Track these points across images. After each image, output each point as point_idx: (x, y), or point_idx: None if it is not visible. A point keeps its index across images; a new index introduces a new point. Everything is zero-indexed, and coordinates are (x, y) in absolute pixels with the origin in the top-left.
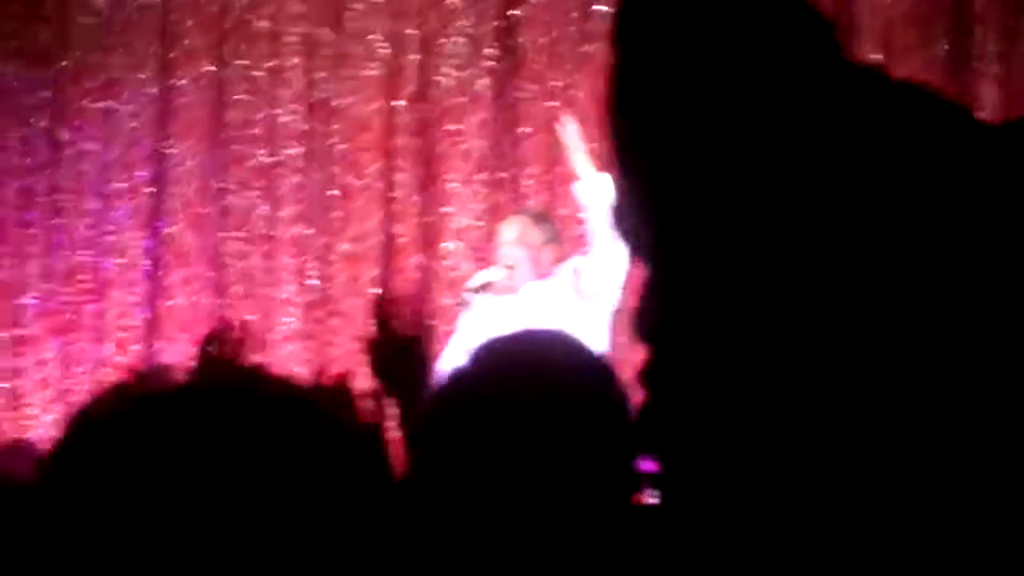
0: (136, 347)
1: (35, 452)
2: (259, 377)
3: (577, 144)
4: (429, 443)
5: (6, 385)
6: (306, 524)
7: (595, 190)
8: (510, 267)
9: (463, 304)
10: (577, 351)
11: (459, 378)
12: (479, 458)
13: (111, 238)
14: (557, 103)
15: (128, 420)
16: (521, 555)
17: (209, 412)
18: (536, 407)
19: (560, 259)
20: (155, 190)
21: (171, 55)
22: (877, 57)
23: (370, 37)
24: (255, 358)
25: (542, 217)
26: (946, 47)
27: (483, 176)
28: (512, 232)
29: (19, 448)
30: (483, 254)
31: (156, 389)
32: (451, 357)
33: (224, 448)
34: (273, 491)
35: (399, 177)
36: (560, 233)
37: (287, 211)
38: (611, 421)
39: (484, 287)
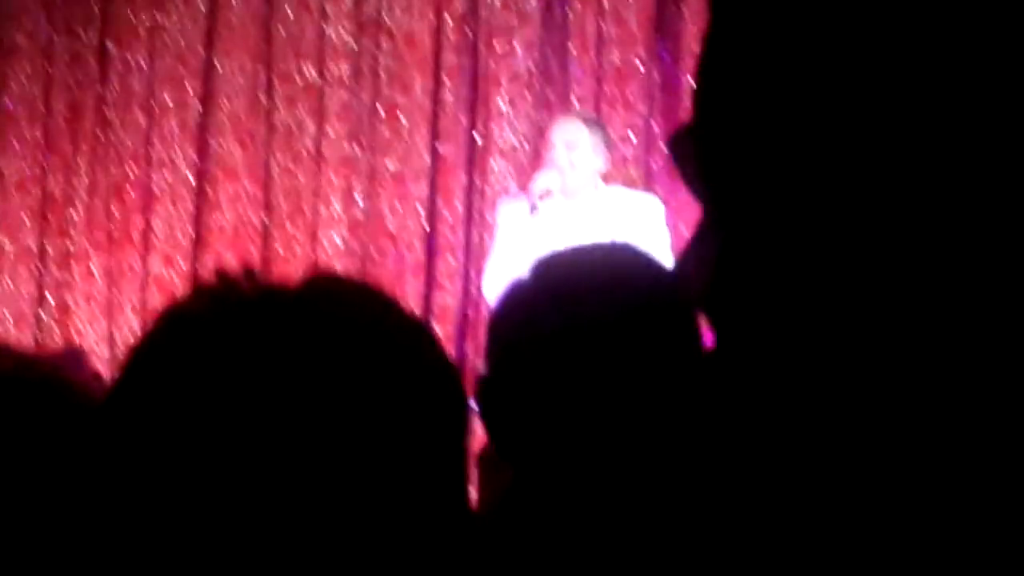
0: (183, 263)
1: (85, 361)
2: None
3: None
4: (495, 360)
5: (53, 297)
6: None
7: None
8: (564, 169)
9: (533, 209)
10: (647, 265)
11: (522, 293)
12: (547, 376)
13: (159, 153)
14: (606, 23)
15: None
16: (590, 474)
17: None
18: (604, 325)
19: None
20: (203, 105)
21: None
22: None
23: None
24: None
25: (595, 120)
26: None
27: (531, 96)
28: (565, 134)
29: (71, 355)
30: (529, 173)
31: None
32: (510, 264)
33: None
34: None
35: (446, 96)
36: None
37: (334, 129)
38: (681, 340)
39: (546, 193)
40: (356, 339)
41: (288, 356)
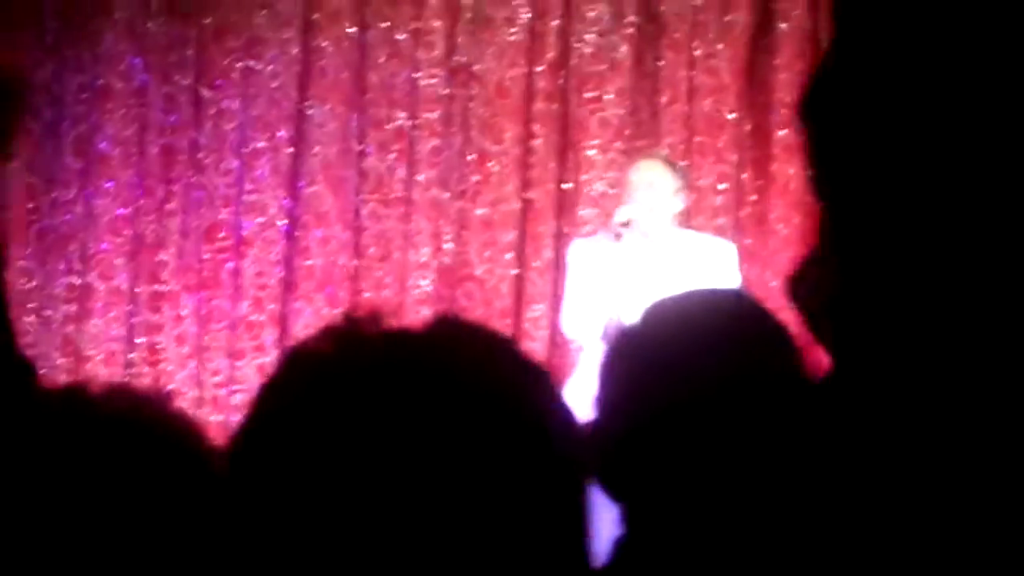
0: (272, 305)
1: (171, 405)
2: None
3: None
4: (608, 410)
5: (143, 340)
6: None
7: (719, 254)
8: (644, 211)
9: (617, 237)
10: (760, 316)
11: (635, 340)
12: (664, 428)
13: (250, 197)
14: (697, 72)
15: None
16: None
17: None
18: (717, 376)
19: (684, 210)
20: (294, 150)
21: (314, 16)
22: None
23: (513, 2)
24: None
25: (674, 163)
26: None
27: (620, 144)
28: (646, 175)
29: (157, 397)
30: None
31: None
32: (589, 301)
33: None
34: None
35: (536, 143)
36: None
37: (424, 175)
38: (791, 391)
39: (627, 223)
40: (480, 385)
41: (414, 400)
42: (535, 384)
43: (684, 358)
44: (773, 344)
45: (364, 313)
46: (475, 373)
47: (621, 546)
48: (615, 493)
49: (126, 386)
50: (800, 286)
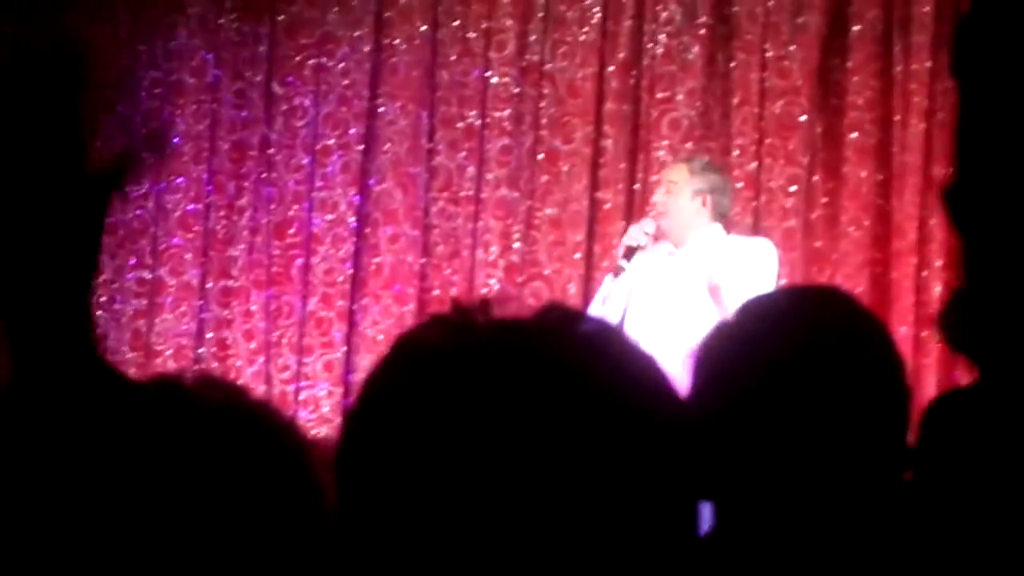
0: (341, 302)
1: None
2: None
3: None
4: (703, 393)
5: (212, 335)
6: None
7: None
8: (658, 216)
9: (617, 271)
10: (854, 315)
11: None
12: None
13: (321, 194)
14: (769, 73)
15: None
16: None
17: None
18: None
19: (724, 213)
20: (365, 147)
21: (386, 14)
22: None
23: (585, 2)
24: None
25: (707, 164)
26: None
27: (691, 145)
28: (666, 177)
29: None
30: None
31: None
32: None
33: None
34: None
35: (606, 143)
36: (731, 186)
37: (494, 174)
38: (888, 391)
39: (630, 251)
40: (584, 374)
41: (521, 389)
42: (644, 370)
43: (778, 353)
44: (869, 339)
45: (473, 303)
46: (586, 360)
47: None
48: (708, 489)
49: (212, 377)
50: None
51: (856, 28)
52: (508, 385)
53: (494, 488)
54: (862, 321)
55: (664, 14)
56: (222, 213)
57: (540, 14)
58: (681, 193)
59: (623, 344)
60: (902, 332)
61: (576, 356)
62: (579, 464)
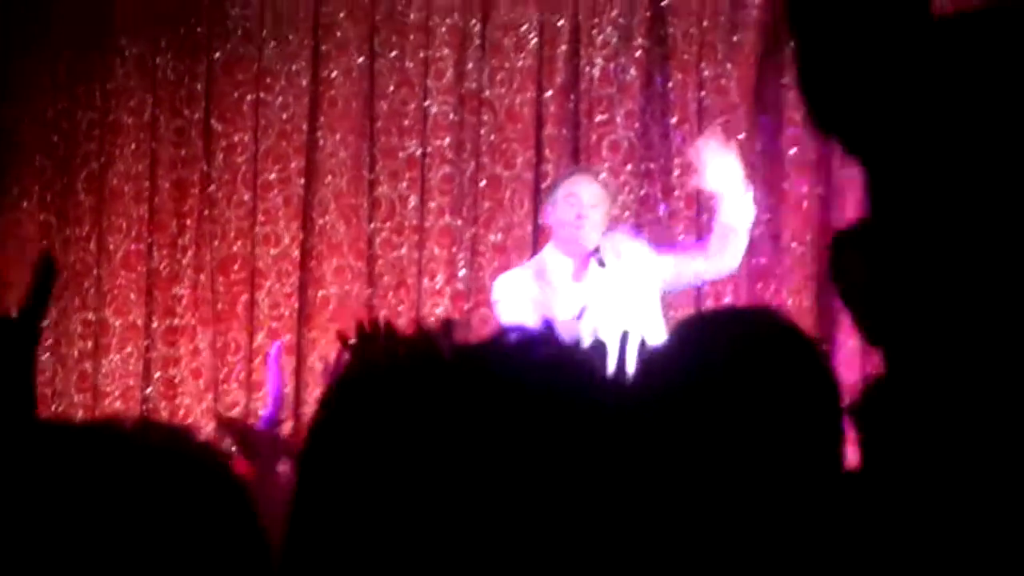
0: (288, 336)
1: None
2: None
3: (720, 160)
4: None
5: (159, 374)
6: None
7: (740, 209)
8: (592, 230)
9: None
10: (791, 335)
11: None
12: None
13: (264, 228)
14: (706, 92)
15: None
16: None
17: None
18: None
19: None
20: (306, 181)
21: (323, 47)
22: None
23: (521, 29)
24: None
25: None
26: None
27: (631, 166)
28: (596, 193)
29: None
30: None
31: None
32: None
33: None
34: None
35: (548, 168)
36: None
37: (436, 202)
38: (822, 407)
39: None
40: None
41: (481, 412)
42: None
43: (710, 377)
44: (800, 360)
45: (434, 326)
46: (543, 383)
47: None
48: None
49: (153, 421)
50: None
51: (791, 45)
52: (469, 408)
53: (451, 506)
54: (793, 341)
55: (600, 37)
56: (165, 252)
57: (477, 42)
58: (604, 208)
59: (581, 364)
60: (849, 346)
61: (534, 378)
62: (537, 491)
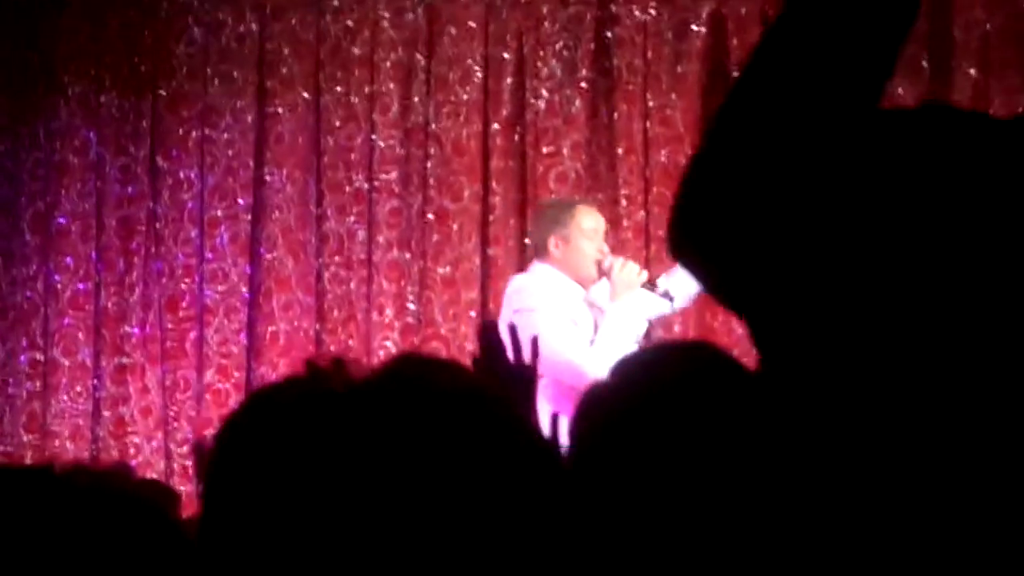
0: (237, 374)
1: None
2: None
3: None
4: (581, 457)
5: (109, 413)
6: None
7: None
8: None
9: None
10: (723, 369)
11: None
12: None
13: (211, 265)
14: (652, 123)
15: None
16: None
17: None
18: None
19: None
20: (253, 217)
21: (268, 83)
22: (973, 73)
23: (466, 62)
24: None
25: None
26: None
27: (579, 197)
28: (599, 222)
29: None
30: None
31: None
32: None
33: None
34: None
35: (495, 200)
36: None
37: (384, 236)
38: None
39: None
40: (449, 414)
41: (381, 439)
42: (498, 405)
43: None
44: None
45: (327, 362)
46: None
47: None
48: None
49: (89, 463)
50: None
51: (736, 74)
52: (358, 443)
53: (342, 542)
54: (731, 374)
55: (545, 69)
56: (112, 290)
57: (422, 76)
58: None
59: (482, 398)
60: None
61: (425, 412)
62: (433, 524)
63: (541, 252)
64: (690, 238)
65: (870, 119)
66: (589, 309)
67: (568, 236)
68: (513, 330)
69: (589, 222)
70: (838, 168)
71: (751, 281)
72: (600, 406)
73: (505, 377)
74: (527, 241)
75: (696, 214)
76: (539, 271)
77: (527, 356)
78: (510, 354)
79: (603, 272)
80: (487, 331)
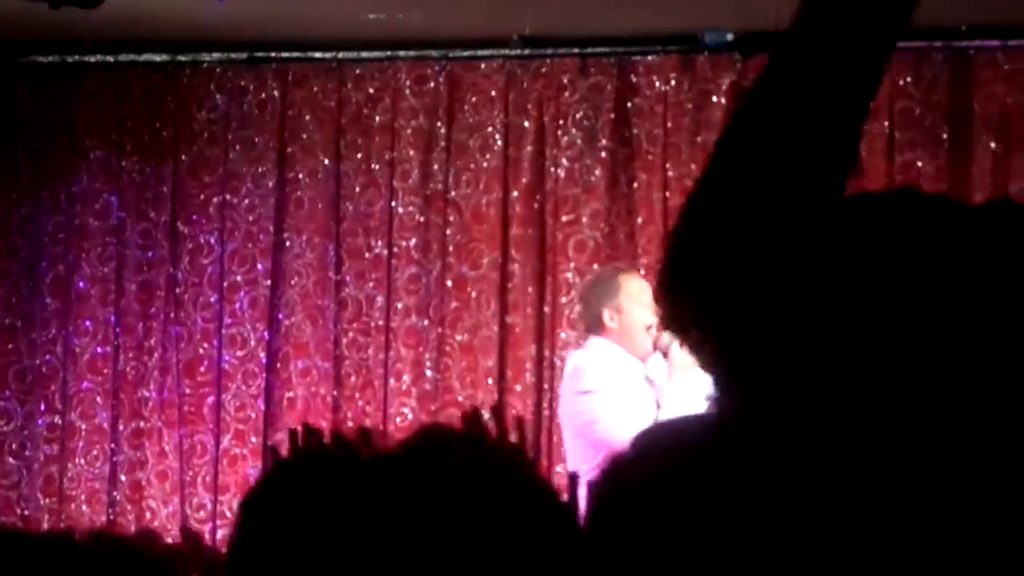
0: (255, 439)
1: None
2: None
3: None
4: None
5: (125, 478)
6: None
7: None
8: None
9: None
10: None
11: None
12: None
13: (230, 330)
14: (671, 192)
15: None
16: None
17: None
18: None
19: None
20: (272, 282)
21: (289, 149)
22: (994, 146)
23: (487, 129)
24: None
25: None
26: None
27: (598, 265)
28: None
29: (147, 537)
30: None
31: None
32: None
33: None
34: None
35: (514, 267)
36: None
37: (403, 302)
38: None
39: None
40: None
41: (406, 510)
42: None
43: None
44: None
45: (354, 434)
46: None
47: None
48: None
49: (109, 530)
50: None
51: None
52: (385, 513)
53: None
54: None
55: (565, 138)
56: (131, 354)
57: (442, 143)
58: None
59: (502, 469)
60: None
61: (450, 484)
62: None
63: (596, 327)
64: (678, 275)
65: (840, 203)
66: (649, 386)
67: (620, 306)
68: (496, 412)
69: (635, 287)
70: (805, 248)
71: (732, 320)
72: (620, 471)
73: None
74: (545, 308)
75: (684, 254)
76: (596, 347)
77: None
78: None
79: (658, 348)
80: (471, 419)
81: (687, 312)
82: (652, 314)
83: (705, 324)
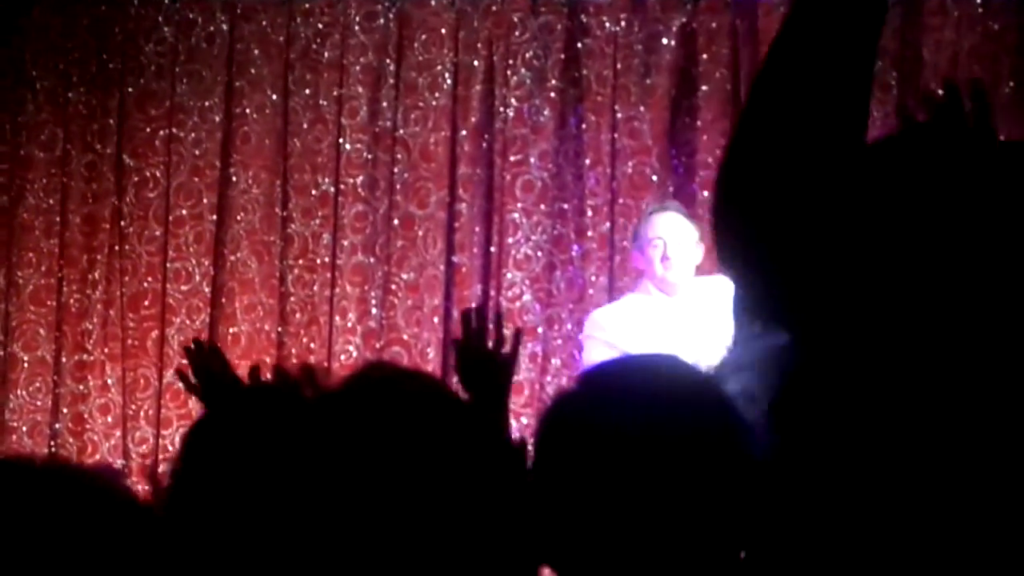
0: None
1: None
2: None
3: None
4: (541, 462)
5: (68, 410)
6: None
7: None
8: (680, 269)
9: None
10: (695, 383)
11: (570, 403)
12: (583, 485)
13: (175, 264)
14: (619, 134)
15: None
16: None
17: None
18: (646, 440)
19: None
20: (218, 218)
21: (237, 83)
22: (941, 93)
23: (436, 68)
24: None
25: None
26: (1011, 86)
27: (544, 207)
28: (677, 226)
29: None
30: (543, 284)
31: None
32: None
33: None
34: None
35: (461, 207)
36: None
37: (349, 240)
38: (724, 458)
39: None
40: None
41: (350, 446)
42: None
43: (618, 424)
44: (705, 407)
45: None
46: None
47: None
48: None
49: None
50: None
51: (704, 88)
52: (328, 450)
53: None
54: (697, 388)
55: (514, 78)
56: (75, 287)
57: (391, 81)
58: (689, 243)
59: (449, 404)
60: None
61: (394, 420)
62: (401, 524)
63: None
64: (730, 205)
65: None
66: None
67: (639, 247)
68: (498, 318)
69: (648, 232)
70: (841, 176)
71: (782, 244)
72: (563, 410)
73: (484, 360)
74: (491, 249)
75: (734, 184)
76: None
77: (509, 345)
78: (490, 340)
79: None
80: (472, 315)
81: (741, 240)
82: (671, 255)
83: (759, 252)
